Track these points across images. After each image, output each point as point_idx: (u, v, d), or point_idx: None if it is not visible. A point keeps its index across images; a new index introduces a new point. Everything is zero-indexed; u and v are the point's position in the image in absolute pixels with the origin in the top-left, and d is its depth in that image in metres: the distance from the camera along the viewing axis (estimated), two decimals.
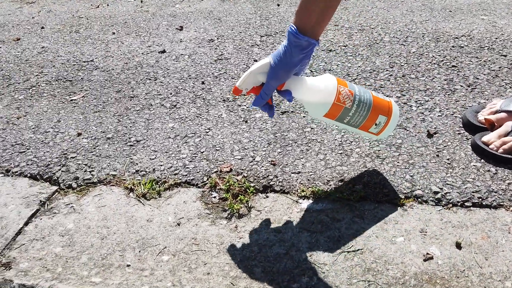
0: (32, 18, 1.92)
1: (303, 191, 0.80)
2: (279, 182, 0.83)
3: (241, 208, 0.79)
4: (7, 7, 2.14)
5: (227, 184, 0.83)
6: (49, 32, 1.71)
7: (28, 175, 0.91)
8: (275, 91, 0.73)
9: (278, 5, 1.83)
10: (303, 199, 0.79)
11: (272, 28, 1.59)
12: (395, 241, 0.69)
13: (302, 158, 0.89)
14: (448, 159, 0.86)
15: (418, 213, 0.74)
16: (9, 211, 0.82)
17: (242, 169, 0.88)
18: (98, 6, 2.02)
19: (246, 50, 1.43)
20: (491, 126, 0.92)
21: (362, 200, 0.78)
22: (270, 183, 0.83)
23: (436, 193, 0.77)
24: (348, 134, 0.95)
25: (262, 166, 0.88)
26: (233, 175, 0.86)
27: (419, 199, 0.77)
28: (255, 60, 1.35)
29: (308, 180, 0.83)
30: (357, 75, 1.21)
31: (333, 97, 0.72)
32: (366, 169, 0.84)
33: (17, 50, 1.55)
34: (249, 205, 0.79)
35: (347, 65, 1.27)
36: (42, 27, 1.77)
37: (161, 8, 1.93)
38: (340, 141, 0.94)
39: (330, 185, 0.81)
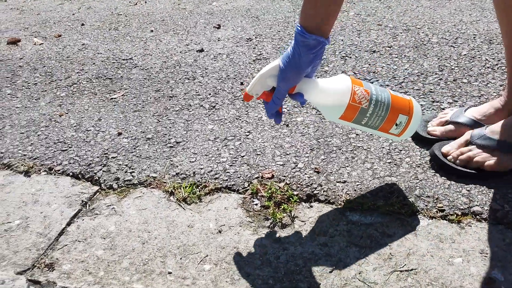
0: (73, 14, 1.95)
1: (349, 202, 0.77)
2: (324, 191, 0.80)
3: (284, 217, 0.76)
4: (48, 4, 2.19)
5: (269, 192, 0.80)
6: (89, 29, 1.74)
7: (70, 174, 0.92)
8: (287, 94, 0.70)
9: None
10: (350, 211, 0.75)
11: None
12: (452, 262, 0.64)
13: (347, 166, 0.85)
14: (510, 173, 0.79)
15: (477, 232, 0.69)
16: (52, 210, 0.82)
17: (284, 176, 0.85)
18: (136, 3, 2.04)
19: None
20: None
21: (414, 215, 0.73)
22: (314, 192, 0.80)
23: (496, 210, 0.72)
24: (396, 142, 0.91)
25: (305, 174, 0.84)
26: (275, 182, 0.83)
27: (477, 217, 0.71)
28: None
29: (355, 190, 0.79)
30: (404, 78, 1.15)
31: (348, 97, 0.68)
32: (417, 181, 0.79)
33: (58, 47, 1.58)
34: (293, 215, 0.76)
35: (392, 67, 1.21)
36: (82, 24, 1.80)
37: (198, 5, 1.92)
38: (388, 149, 0.89)
39: (378, 197, 0.77)
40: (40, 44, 1.61)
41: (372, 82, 1.14)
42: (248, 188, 0.83)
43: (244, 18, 1.70)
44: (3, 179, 0.91)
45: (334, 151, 0.90)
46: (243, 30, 1.58)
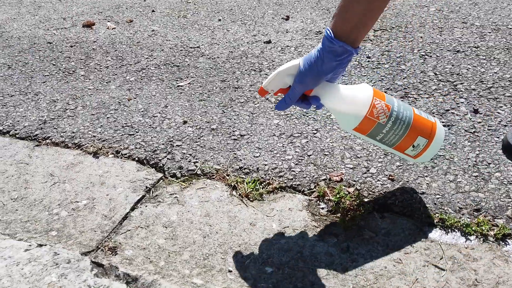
0: (144, 1, 2.00)
1: (428, 216, 0.69)
2: (399, 202, 0.73)
3: (353, 226, 0.70)
4: None
5: (338, 196, 0.75)
6: (159, 16, 1.76)
7: (136, 158, 0.92)
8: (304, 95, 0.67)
9: None
10: (429, 226, 0.68)
11: (387, 22, 1.45)
12: None
13: (426, 176, 0.78)
14: None
15: None
16: (117, 193, 0.83)
17: (355, 181, 0.79)
18: None
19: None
20: None
21: (505, 238, 0.64)
22: (388, 202, 0.73)
23: None
24: (485, 153, 0.81)
25: (378, 180, 0.78)
26: (344, 186, 0.78)
27: None
28: (368, 57, 1.23)
29: (435, 204, 0.72)
30: (493, 83, 1.03)
31: (366, 109, 0.64)
32: (510, 200, 0.70)
33: (129, 32, 1.62)
34: (363, 224, 0.70)
35: (479, 69, 1.10)
36: (153, 11, 1.83)
37: None
38: (475, 161, 0.80)
39: (462, 214, 0.69)
40: (112, 29, 1.66)
41: (455, 88, 1.04)
42: (314, 190, 0.78)
43: (314, 10, 1.63)
44: (73, 158, 0.94)
45: None
46: (313, 22, 1.52)
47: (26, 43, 1.59)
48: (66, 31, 1.67)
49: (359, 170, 0.81)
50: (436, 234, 0.67)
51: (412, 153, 0.68)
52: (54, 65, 1.38)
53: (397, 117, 0.65)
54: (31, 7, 2.06)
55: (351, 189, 0.77)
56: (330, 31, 0.59)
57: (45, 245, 0.72)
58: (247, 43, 1.42)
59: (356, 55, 0.65)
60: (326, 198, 0.76)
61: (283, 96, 0.68)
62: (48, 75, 1.32)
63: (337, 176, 0.80)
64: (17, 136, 1.03)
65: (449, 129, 0.90)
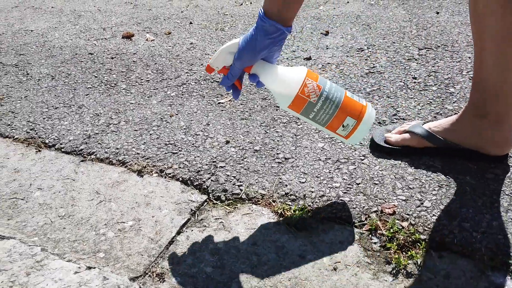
0: (181, 12, 2.02)
1: (491, 259, 0.66)
2: (457, 240, 0.70)
3: (408, 264, 0.67)
4: (159, 0, 2.29)
5: (391, 231, 0.72)
6: (197, 28, 1.77)
7: (180, 179, 0.92)
8: (246, 74, 0.75)
9: (437, 13, 1.62)
10: (492, 270, 0.64)
11: (432, 40, 1.40)
12: None
13: (485, 213, 0.74)
14: None
15: None
16: (162, 215, 0.83)
17: (408, 214, 0.76)
18: (241, 4, 2.04)
19: (402, 64, 1.28)
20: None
21: None
22: (446, 240, 0.70)
23: None
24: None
25: (433, 215, 0.75)
26: (398, 220, 0.75)
27: None
28: (414, 77, 1.20)
29: (497, 244, 0.68)
30: None
31: (297, 88, 0.70)
32: None
33: (168, 44, 1.63)
34: (419, 263, 0.67)
35: None
36: (190, 23, 1.85)
37: (304, 9, 1.87)
38: None
39: None
40: (151, 40, 1.68)
41: None
42: (365, 222, 0.76)
43: (354, 25, 1.60)
44: (118, 176, 0.95)
45: (467, 192, 0.79)
46: (353, 38, 1.49)
47: (68, 53, 1.62)
48: (106, 42, 1.70)
49: (412, 203, 0.78)
50: (500, 279, 0.63)
51: (343, 133, 0.74)
52: (96, 77, 1.41)
53: (327, 97, 0.71)
54: (71, 16, 2.11)
55: (405, 224, 0.74)
56: (262, 10, 0.66)
57: (94, 268, 0.72)
58: (287, 59, 1.40)
59: (289, 34, 0.74)
60: (378, 232, 0.73)
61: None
62: (90, 88, 1.34)
63: (389, 208, 0.77)
64: (62, 150, 1.05)
65: (504, 161, 0.85)
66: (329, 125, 0.73)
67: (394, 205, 0.78)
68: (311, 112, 0.72)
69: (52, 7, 2.32)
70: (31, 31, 1.93)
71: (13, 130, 1.14)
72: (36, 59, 1.59)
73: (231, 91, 0.78)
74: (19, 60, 1.60)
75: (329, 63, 1.34)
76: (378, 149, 0.92)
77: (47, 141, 1.08)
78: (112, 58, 1.54)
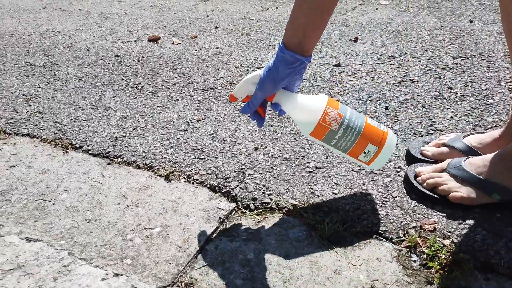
0: (207, 16, 2.01)
1: None
2: (505, 262, 0.65)
3: (452, 285, 0.63)
4: (184, 3, 2.30)
5: (432, 249, 0.68)
6: (223, 32, 1.76)
7: (208, 185, 0.90)
8: (269, 103, 0.77)
9: (471, 21, 1.57)
10: None
11: (467, 49, 1.36)
12: None
13: None
14: None
15: None
16: (191, 223, 0.81)
17: (450, 231, 0.72)
18: (267, 9, 2.03)
19: (436, 73, 1.23)
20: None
21: None
22: (491, 261, 0.66)
23: None
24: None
25: (477, 234, 0.71)
26: (439, 237, 0.71)
27: None
28: (450, 87, 1.15)
29: None
30: None
31: (318, 116, 0.72)
32: None
33: (194, 48, 1.62)
34: (464, 285, 0.63)
35: None
36: (216, 27, 1.84)
37: (332, 15, 1.84)
38: None
39: None
40: (177, 44, 1.67)
41: None
42: (403, 238, 0.72)
43: (384, 32, 1.57)
44: (145, 180, 0.93)
45: None
46: (384, 45, 1.46)
47: (94, 55, 1.63)
48: (132, 45, 1.71)
49: (453, 220, 0.74)
50: None
51: (364, 159, 0.74)
52: (122, 79, 1.40)
53: (348, 125, 0.72)
54: (98, 18, 2.13)
55: (446, 242, 0.70)
56: (282, 42, 0.69)
57: (122, 275, 0.70)
58: (315, 65, 1.38)
59: (309, 63, 0.76)
60: (418, 249, 0.70)
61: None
62: (117, 90, 1.34)
63: (429, 224, 0.73)
64: (89, 152, 1.04)
65: None
66: (351, 152, 0.74)
67: (434, 221, 0.74)
68: (332, 139, 0.73)
69: (79, 9, 2.35)
70: (59, 32, 1.95)
71: (41, 131, 1.14)
72: (64, 60, 1.61)
73: (255, 120, 0.80)
74: (46, 61, 1.62)
75: (359, 70, 1.30)
76: (416, 161, 0.88)
77: (74, 143, 1.08)
78: (139, 60, 1.54)
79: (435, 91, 1.14)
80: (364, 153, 0.73)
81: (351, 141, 0.73)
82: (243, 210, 0.83)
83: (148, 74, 1.42)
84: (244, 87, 0.75)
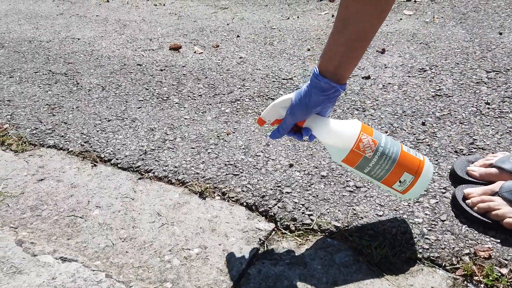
0: (227, 24, 1.99)
1: None
2: None
3: None
4: (203, 11, 2.28)
5: (490, 279, 0.65)
6: (245, 42, 1.74)
7: (244, 204, 0.87)
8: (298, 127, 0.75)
9: (500, 33, 1.54)
10: None
11: (500, 62, 1.32)
12: None
13: None
14: None
15: None
16: (230, 244, 0.78)
17: (506, 259, 0.68)
18: (288, 18, 2.00)
19: (471, 87, 1.20)
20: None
21: None
22: None
23: None
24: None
25: None
26: (496, 265, 0.68)
27: None
28: (487, 103, 1.12)
29: None
30: None
31: (352, 143, 0.69)
32: None
33: (217, 58, 1.60)
34: None
35: None
36: (238, 36, 1.82)
37: None
38: None
39: None
40: (200, 53, 1.65)
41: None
42: (458, 266, 0.69)
43: (411, 44, 1.54)
44: (178, 197, 0.90)
45: None
46: (413, 57, 1.43)
47: (116, 64, 1.61)
48: (154, 53, 1.69)
49: (509, 246, 0.70)
50: None
51: (399, 188, 0.71)
52: (147, 89, 1.38)
53: (383, 152, 0.69)
54: (116, 26, 2.12)
55: (504, 270, 0.66)
56: (317, 69, 0.66)
57: None
58: None
59: (344, 91, 0.72)
60: (475, 278, 0.66)
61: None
62: (142, 100, 1.31)
63: (484, 251, 0.70)
64: (118, 166, 1.02)
65: None
66: (385, 180, 0.71)
67: (488, 247, 0.70)
68: (366, 167, 0.70)
69: (96, 15, 2.34)
70: (78, 39, 1.94)
71: (67, 142, 1.12)
72: (85, 69, 1.59)
73: (292, 136, 0.77)
74: (68, 69, 1.60)
75: (390, 83, 1.27)
76: (462, 182, 0.85)
77: (102, 156, 1.05)
78: (162, 70, 1.52)
79: (472, 106, 1.11)
80: (400, 182, 0.70)
81: (386, 169, 0.69)
82: (283, 231, 0.80)
83: (173, 84, 1.40)
84: (273, 111, 0.73)
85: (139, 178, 0.97)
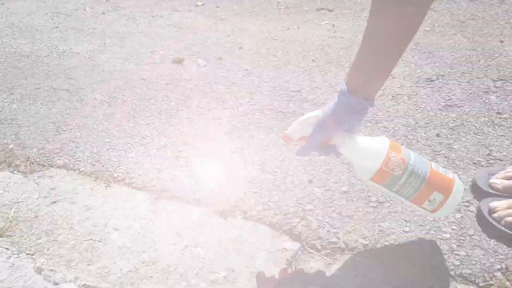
0: (228, 36, 1.99)
1: None
2: None
3: None
4: (202, 22, 2.27)
5: None
6: (248, 53, 1.74)
7: (267, 222, 0.85)
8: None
9: (501, 41, 1.56)
10: None
11: (505, 71, 1.34)
12: None
13: None
14: None
15: None
16: (257, 265, 0.76)
17: None
18: (288, 28, 2.01)
19: (480, 97, 1.21)
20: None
21: None
22: None
23: None
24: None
25: None
26: None
27: None
28: (498, 112, 1.13)
29: None
30: None
31: (381, 161, 0.68)
32: None
33: (222, 70, 1.59)
34: None
35: None
36: (240, 47, 1.81)
37: (356, 34, 1.82)
38: None
39: None
40: (203, 66, 1.64)
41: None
42: (491, 282, 0.68)
43: (415, 53, 1.55)
44: (198, 217, 0.88)
45: None
46: (418, 67, 1.44)
47: (119, 78, 1.59)
48: (157, 67, 1.67)
49: None
50: None
51: (428, 207, 0.70)
52: (153, 104, 1.36)
53: (412, 171, 0.68)
54: (115, 39, 2.10)
55: None
56: (345, 86, 0.65)
57: None
58: None
59: (372, 107, 0.72)
60: None
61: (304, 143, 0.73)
62: (150, 116, 1.29)
63: None
64: (133, 185, 0.99)
65: None
66: (414, 199, 0.70)
67: None
68: (394, 185, 0.69)
69: (93, 28, 2.32)
70: (77, 53, 1.91)
71: (78, 162, 1.10)
72: (88, 84, 1.56)
73: (322, 154, 0.75)
74: (69, 84, 1.57)
75: (399, 94, 1.28)
76: (484, 194, 0.85)
77: (115, 175, 1.03)
78: (167, 84, 1.50)
79: (484, 116, 1.12)
80: (429, 201, 0.69)
81: (415, 188, 0.68)
82: (309, 250, 0.79)
83: (180, 99, 1.39)
84: (299, 128, 0.72)
85: (156, 198, 0.95)
